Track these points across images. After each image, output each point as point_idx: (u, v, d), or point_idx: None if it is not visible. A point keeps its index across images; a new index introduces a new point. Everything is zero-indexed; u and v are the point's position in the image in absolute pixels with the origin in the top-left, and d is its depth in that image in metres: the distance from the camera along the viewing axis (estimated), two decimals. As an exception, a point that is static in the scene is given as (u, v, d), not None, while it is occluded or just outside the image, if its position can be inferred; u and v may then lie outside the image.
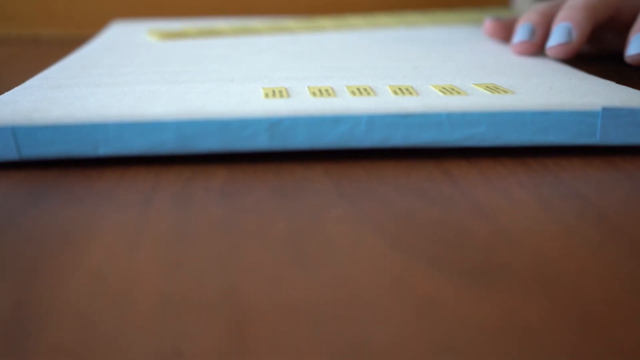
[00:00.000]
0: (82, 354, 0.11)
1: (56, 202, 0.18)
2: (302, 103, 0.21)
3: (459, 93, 0.22)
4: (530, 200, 0.18)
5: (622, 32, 0.32)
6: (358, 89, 0.23)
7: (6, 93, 0.24)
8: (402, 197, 0.18)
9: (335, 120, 0.20)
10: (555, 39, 0.30)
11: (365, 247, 0.15)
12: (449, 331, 0.12)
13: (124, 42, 0.39)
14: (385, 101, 0.21)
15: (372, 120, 0.20)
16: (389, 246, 0.15)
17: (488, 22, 0.37)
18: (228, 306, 0.13)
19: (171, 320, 0.12)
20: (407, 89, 0.23)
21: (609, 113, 0.21)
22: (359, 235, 0.16)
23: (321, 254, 0.15)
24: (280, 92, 0.23)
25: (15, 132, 0.20)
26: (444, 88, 0.23)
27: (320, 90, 0.23)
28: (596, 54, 0.38)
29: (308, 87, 0.24)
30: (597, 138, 0.21)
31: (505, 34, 0.36)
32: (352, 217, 0.17)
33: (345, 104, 0.21)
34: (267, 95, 0.22)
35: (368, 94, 0.22)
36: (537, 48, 0.32)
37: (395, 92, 0.22)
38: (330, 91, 0.23)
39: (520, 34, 0.32)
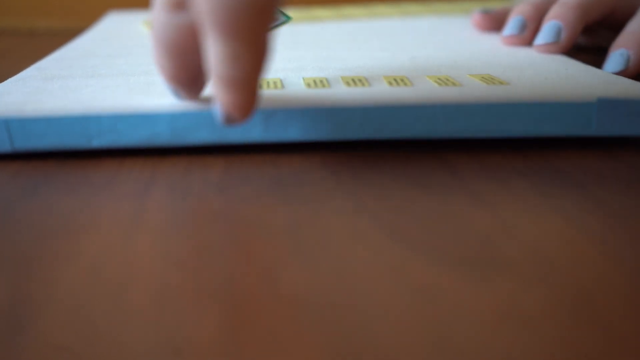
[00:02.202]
0: (78, 347, 0.11)
1: (53, 193, 0.18)
2: (296, 95, 0.21)
3: (454, 84, 0.22)
4: (529, 189, 0.18)
5: (617, 29, 0.32)
6: (353, 79, 0.23)
7: None
8: (401, 187, 0.18)
9: (330, 113, 0.20)
10: (544, 37, 0.30)
11: (364, 237, 0.15)
12: (447, 321, 0.12)
13: (119, 32, 0.38)
14: (379, 92, 0.21)
15: (367, 112, 0.20)
16: (387, 236, 0.15)
17: (476, 15, 0.37)
18: (226, 297, 0.13)
19: (169, 311, 0.12)
20: (402, 80, 0.23)
21: (605, 104, 0.21)
22: (357, 226, 0.16)
23: (319, 244, 0.15)
24: (275, 83, 0.23)
25: (8, 124, 0.20)
26: (439, 79, 0.23)
27: (314, 81, 0.23)
28: (589, 46, 0.38)
29: (303, 78, 0.24)
30: (592, 129, 0.21)
31: (495, 25, 0.36)
32: (350, 207, 0.17)
33: (339, 95, 0.21)
34: (261, 86, 0.22)
35: (363, 85, 0.22)
36: (526, 42, 0.32)
37: (390, 83, 0.22)
38: (324, 82, 0.23)
39: (510, 27, 0.32)
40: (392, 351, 0.11)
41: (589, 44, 0.38)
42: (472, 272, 0.14)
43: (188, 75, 0.19)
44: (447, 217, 0.16)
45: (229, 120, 0.18)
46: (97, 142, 0.20)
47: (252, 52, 0.17)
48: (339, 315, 0.12)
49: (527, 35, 0.32)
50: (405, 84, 0.22)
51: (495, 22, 0.36)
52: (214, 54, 0.17)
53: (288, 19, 0.22)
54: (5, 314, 0.12)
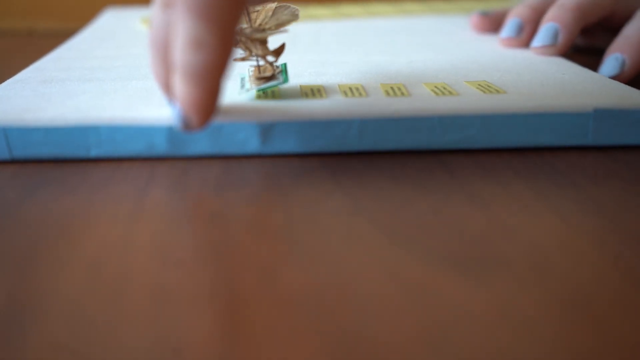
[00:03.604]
0: (77, 347, 0.11)
1: (51, 194, 0.18)
2: (293, 107, 0.21)
3: (450, 93, 0.22)
4: (526, 190, 0.18)
5: (615, 31, 0.32)
6: (350, 88, 0.23)
7: None
8: (399, 187, 0.18)
9: (327, 125, 0.20)
10: (541, 39, 0.30)
11: (361, 238, 0.15)
12: (444, 321, 0.12)
13: (117, 31, 0.38)
14: (377, 104, 0.21)
15: (364, 125, 0.20)
16: (385, 237, 0.15)
17: (475, 17, 0.37)
18: (224, 297, 0.13)
19: (166, 312, 0.12)
20: (399, 89, 0.23)
21: (601, 114, 0.21)
22: (355, 226, 0.16)
23: (317, 245, 0.15)
24: (273, 92, 0.23)
25: (6, 133, 0.20)
26: (436, 87, 0.23)
27: (312, 90, 0.23)
28: (587, 48, 0.38)
29: (300, 85, 0.24)
30: (588, 139, 0.21)
31: (493, 27, 0.36)
32: (348, 208, 0.17)
33: (337, 108, 0.21)
34: (259, 96, 0.22)
35: (360, 94, 0.22)
36: (523, 44, 0.32)
37: (387, 92, 0.22)
38: (322, 91, 0.23)
39: (507, 30, 0.32)
40: (389, 351, 0.11)
41: (587, 45, 0.38)
42: (469, 272, 0.14)
43: None
44: (444, 217, 0.17)
45: (186, 124, 0.18)
46: (95, 152, 0.20)
47: (217, 38, 0.16)
48: (336, 315, 0.12)
49: (525, 38, 0.32)
50: (403, 94, 0.22)
51: (493, 24, 0.36)
52: (181, 38, 0.17)
53: (286, 81, 0.22)
54: (5, 313, 0.12)
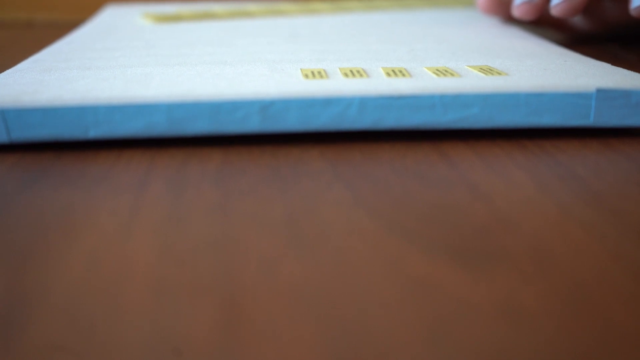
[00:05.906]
0: (74, 346, 0.11)
1: (50, 186, 0.18)
2: (293, 85, 0.21)
3: (452, 75, 0.22)
4: (527, 182, 0.18)
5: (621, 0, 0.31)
6: (351, 70, 0.23)
7: None
8: (399, 179, 0.18)
9: (327, 103, 0.20)
10: None
11: (362, 230, 0.15)
12: (445, 314, 0.12)
13: (117, 25, 0.38)
14: (377, 83, 0.21)
15: (364, 102, 0.20)
16: (385, 228, 0.15)
17: None
18: (223, 290, 0.13)
19: (166, 305, 0.12)
20: (400, 71, 0.23)
21: (603, 94, 0.21)
22: (355, 218, 0.16)
23: (317, 237, 0.15)
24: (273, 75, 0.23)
25: (4, 114, 0.20)
26: (437, 70, 0.23)
27: (312, 72, 0.23)
28: (595, 30, 0.37)
29: (301, 69, 0.23)
30: (590, 120, 0.21)
31: (500, 8, 0.36)
32: (348, 200, 0.17)
33: (337, 86, 0.21)
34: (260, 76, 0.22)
35: (361, 75, 0.22)
36: (539, 9, 0.31)
37: (388, 74, 0.22)
38: (322, 73, 0.23)
39: None
40: (389, 344, 0.11)
41: (594, 24, 0.37)
42: (470, 264, 0.14)
43: None
44: (444, 209, 0.16)
45: None
46: (94, 133, 0.20)
47: None
48: (336, 308, 0.12)
49: (539, 2, 0.30)
50: (404, 75, 0.22)
51: (500, 4, 0.35)
52: None
53: None
54: (2, 307, 0.12)
